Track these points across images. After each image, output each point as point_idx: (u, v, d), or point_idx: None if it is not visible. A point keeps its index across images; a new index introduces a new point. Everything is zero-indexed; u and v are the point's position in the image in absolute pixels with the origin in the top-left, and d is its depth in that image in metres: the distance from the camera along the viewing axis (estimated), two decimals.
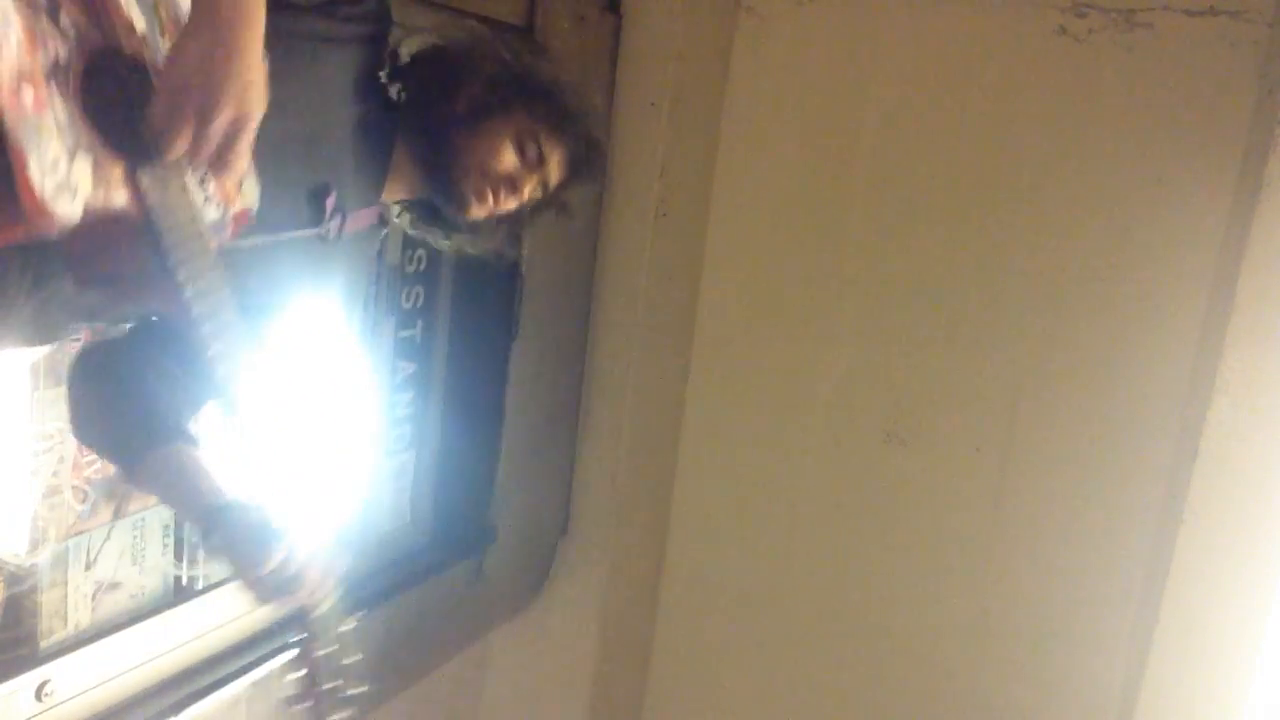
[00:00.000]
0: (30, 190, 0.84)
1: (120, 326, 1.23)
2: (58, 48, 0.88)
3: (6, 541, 1.56)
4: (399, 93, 1.37)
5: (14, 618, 1.58)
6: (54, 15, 0.87)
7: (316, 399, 1.99)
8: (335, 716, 1.19)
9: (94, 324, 1.25)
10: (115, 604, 1.74)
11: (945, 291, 2.46)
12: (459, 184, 1.33)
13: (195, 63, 0.93)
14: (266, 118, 1.05)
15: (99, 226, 0.95)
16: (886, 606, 2.62)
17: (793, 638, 2.72)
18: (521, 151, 1.34)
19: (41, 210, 0.85)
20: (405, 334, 2.18)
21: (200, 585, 1.88)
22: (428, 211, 1.42)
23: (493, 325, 2.31)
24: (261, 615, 1.93)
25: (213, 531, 1.11)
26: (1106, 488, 2.37)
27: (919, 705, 2.62)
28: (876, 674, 2.65)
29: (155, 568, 1.84)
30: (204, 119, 0.94)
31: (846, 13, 2.44)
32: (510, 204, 1.36)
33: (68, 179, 0.87)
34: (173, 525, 1.87)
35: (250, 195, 1.07)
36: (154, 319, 1.21)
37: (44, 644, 1.61)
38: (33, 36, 0.85)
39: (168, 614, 1.74)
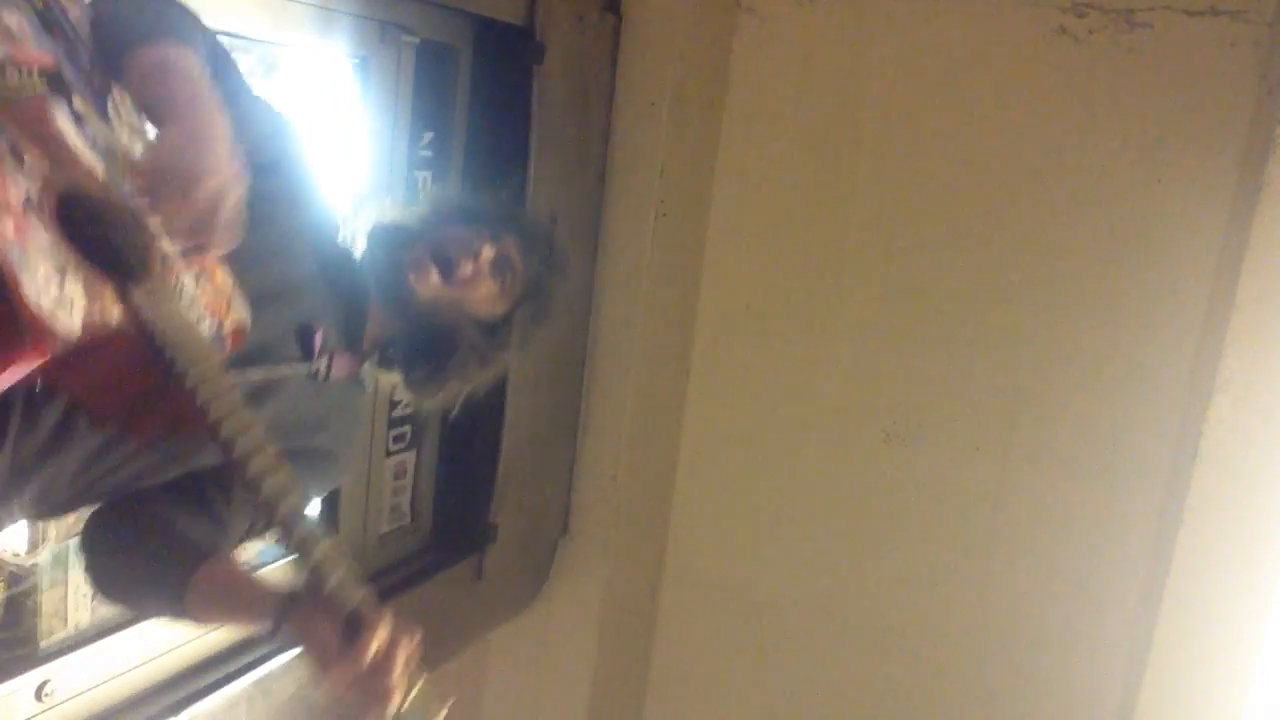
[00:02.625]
0: (28, 307, 0.85)
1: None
2: (27, 187, 0.89)
3: (6, 541, 1.56)
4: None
5: (14, 618, 1.58)
6: (19, 158, 0.89)
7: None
8: None
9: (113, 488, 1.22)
10: None
11: (945, 291, 2.46)
12: (408, 256, 1.35)
13: (170, 150, 0.96)
14: (254, 260, 1.09)
15: (102, 352, 0.95)
16: (886, 606, 2.62)
17: (792, 637, 2.72)
18: (475, 231, 1.38)
19: (43, 326, 0.86)
20: None
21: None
22: (405, 357, 1.43)
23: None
24: None
25: (284, 622, 1.05)
26: (1106, 488, 2.37)
27: (919, 705, 2.62)
28: (876, 674, 2.65)
29: None
30: (186, 195, 0.95)
31: (846, 13, 2.44)
32: (466, 267, 1.35)
33: (62, 295, 0.88)
34: None
35: (241, 312, 1.08)
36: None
37: (44, 644, 1.61)
38: (1, 177, 0.87)
39: None
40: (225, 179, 0.98)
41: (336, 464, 1.39)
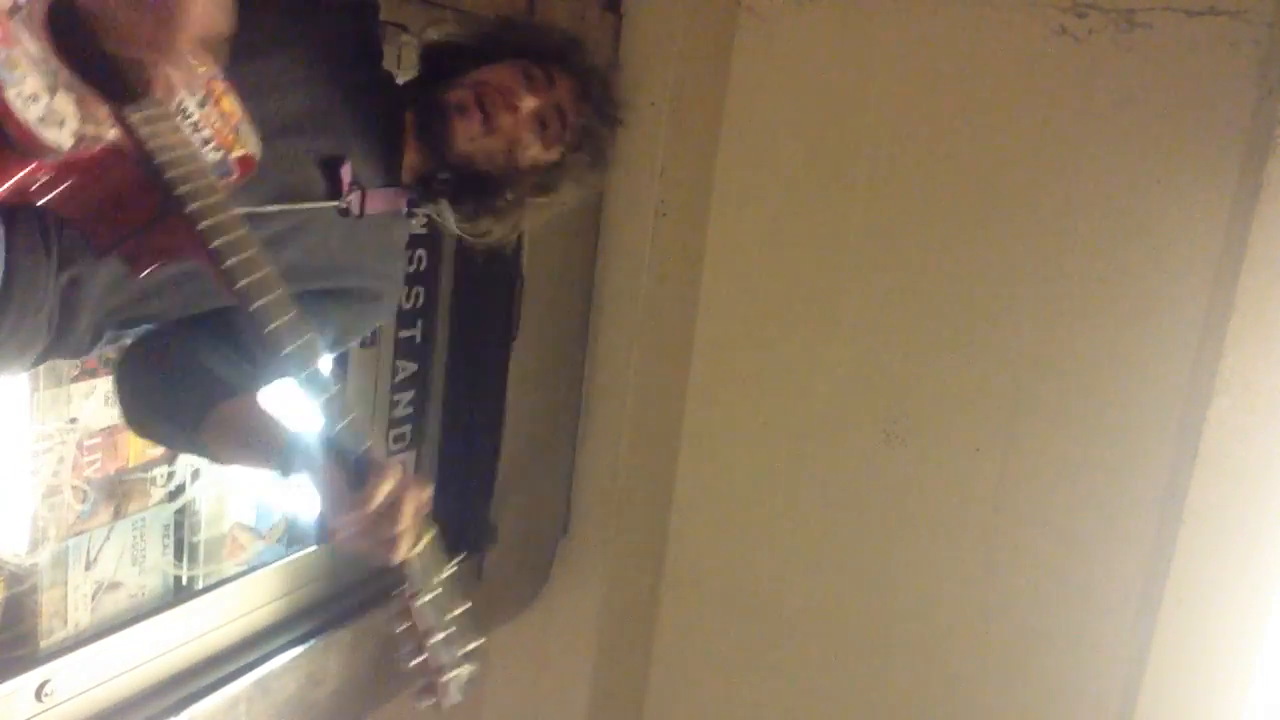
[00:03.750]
0: (12, 116, 0.81)
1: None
2: None
3: (6, 541, 1.56)
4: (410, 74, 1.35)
5: (14, 618, 1.58)
6: None
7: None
8: (450, 673, 1.12)
9: (126, 331, 1.20)
10: (115, 604, 1.74)
11: (945, 291, 2.46)
12: (450, 96, 1.26)
13: None
14: (271, 89, 1.03)
15: (99, 175, 0.91)
16: (886, 606, 2.62)
17: (792, 637, 2.72)
18: (526, 76, 1.28)
19: (29, 136, 0.82)
20: (405, 334, 2.18)
21: (200, 585, 1.88)
22: (452, 190, 1.36)
23: (493, 325, 2.31)
24: (262, 615, 1.93)
25: (294, 463, 1.05)
26: (1106, 488, 2.37)
27: (919, 705, 2.62)
28: (876, 674, 2.65)
29: (155, 568, 1.84)
30: (170, 30, 0.89)
31: (846, 13, 2.44)
32: (505, 119, 1.27)
33: (51, 109, 0.84)
34: (173, 525, 1.87)
35: (249, 141, 1.03)
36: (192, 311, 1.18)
37: (44, 644, 1.61)
38: None
39: (168, 614, 1.74)
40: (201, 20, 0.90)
41: (377, 304, 1.33)
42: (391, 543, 1.02)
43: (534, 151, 1.31)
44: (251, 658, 1.85)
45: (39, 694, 1.51)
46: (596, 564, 2.64)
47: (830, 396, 2.59)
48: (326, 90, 1.21)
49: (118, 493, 1.70)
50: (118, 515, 1.72)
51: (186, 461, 1.83)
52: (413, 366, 2.23)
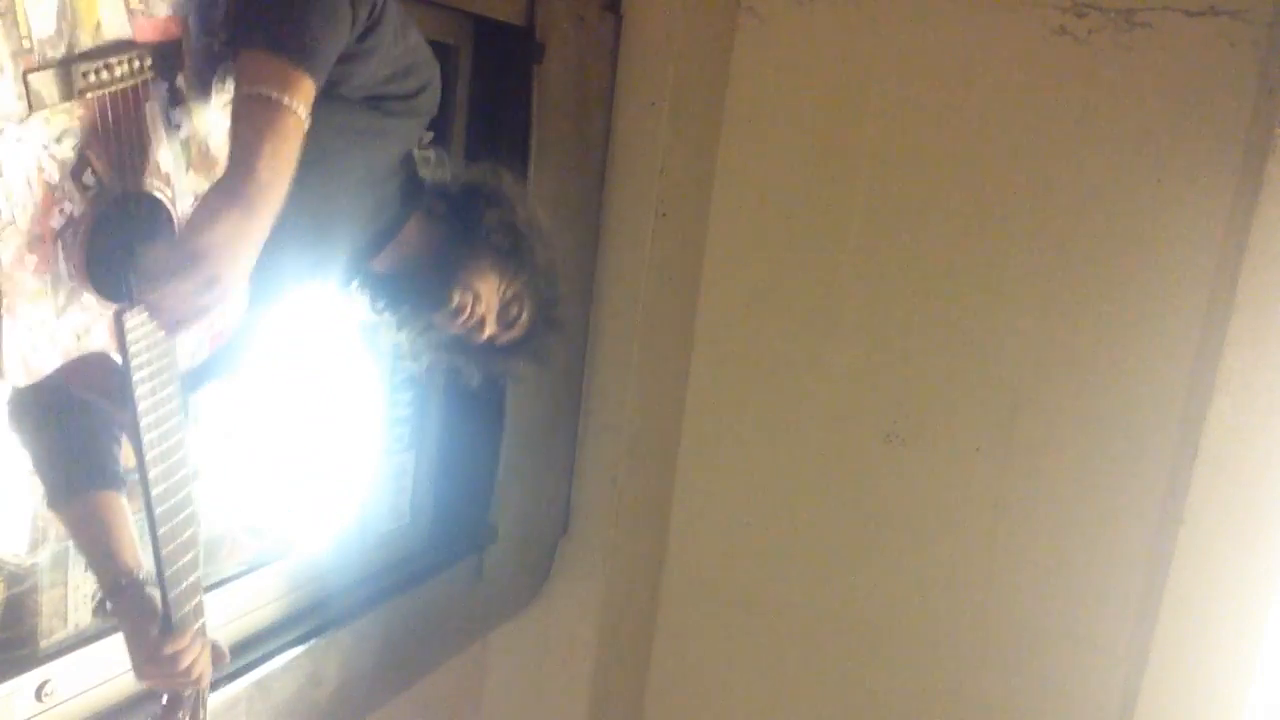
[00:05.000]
0: (6, 355, 0.85)
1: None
2: (73, 207, 0.87)
3: (6, 541, 1.56)
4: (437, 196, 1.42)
5: (14, 618, 1.58)
6: (79, 174, 0.87)
7: (317, 400, 1.99)
8: None
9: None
10: None
11: (945, 291, 2.46)
12: (448, 284, 1.37)
13: (222, 233, 0.93)
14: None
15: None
16: (886, 606, 2.62)
17: (792, 637, 2.72)
18: (504, 303, 1.42)
19: (18, 374, 0.87)
20: None
21: (200, 585, 1.87)
22: (398, 296, 1.45)
23: None
24: (262, 615, 1.94)
25: (113, 603, 1.16)
26: (1106, 488, 2.37)
27: (919, 705, 2.62)
28: (876, 674, 2.65)
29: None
30: (200, 286, 0.94)
31: (846, 13, 2.44)
32: (473, 333, 1.41)
33: (51, 336, 0.88)
34: None
35: (225, 316, 1.07)
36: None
37: (44, 644, 1.61)
38: (50, 200, 0.85)
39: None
40: (235, 285, 0.96)
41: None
42: (175, 697, 1.19)
43: (488, 335, 1.44)
44: (251, 658, 1.85)
45: (39, 694, 1.51)
46: (596, 564, 2.64)
47: (830, 397, 2.60)
48: (353, 195, 1.28)
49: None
50: None
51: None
52: (413, 366, 2.23)
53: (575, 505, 2.65)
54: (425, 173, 1.41)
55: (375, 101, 1.21)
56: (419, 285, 1.39)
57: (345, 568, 2.12)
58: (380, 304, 1.45)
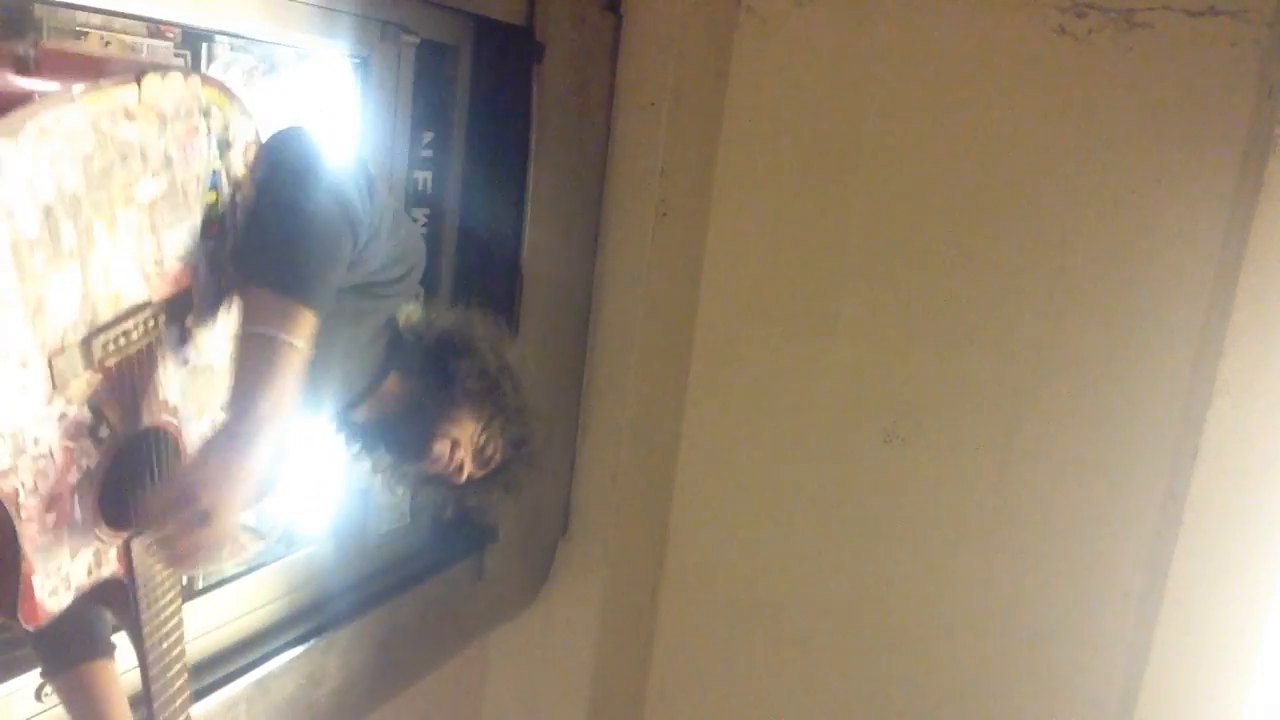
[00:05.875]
0: (31, 600, 0.88)
1: None
2: (89, 461, 0.91)
3: None
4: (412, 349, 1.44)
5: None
6: (95, 430, 0.91)
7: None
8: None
9: None
10: None
11: (945, 291, 2.46)
12: (428, 435, 1.41)
13: (217, 472, 0.96)
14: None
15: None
16: (886, 606, 2.62)
17: (792, 637, 2.72)
18: (479, 446, 1.46)
19: (36, 616, 0.90)
20: None
21: (200, 585, 1.88)
22: (376, 444, 1.48)
23: None
24: (262, 615, 1.93)
25: None
26: (1106, 488, 2.37)
27: (919, 705, 2.62)
28: (876, 674, 2.65)
29: None
30: (197, 519, 0.96)
31: (846, 13, 2.44)
32: (451, 476, 1.45)
33: (66, 579, 0.91)
34: None
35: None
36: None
37: None
38: (69, 460, 0.89)
39: None
40: (233, 525, 0.99)
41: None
42: None
43: (469, 465, 1.48)
44: (251, 658, 1.85)
45: (39, 694, 1.51)
46: (596, 564, 2.64)
47: (830, 397, 2.59)
48: (339, 368, 1.31)
49: None
50: None
51: None
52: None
53: (575, 505, 2.65)
54: (403, 324, 1.44)
55: (365, 287, 1.24)
56: (399, 436, 1.44)
57: (345, 568, 2.12)
58: (356, 449, 1.49)
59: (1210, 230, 2.21)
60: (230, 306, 1.06)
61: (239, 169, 1.03)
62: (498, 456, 1.49)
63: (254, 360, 1.00)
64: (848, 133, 2.48)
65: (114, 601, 1.04)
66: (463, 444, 1.44)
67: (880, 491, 2.58)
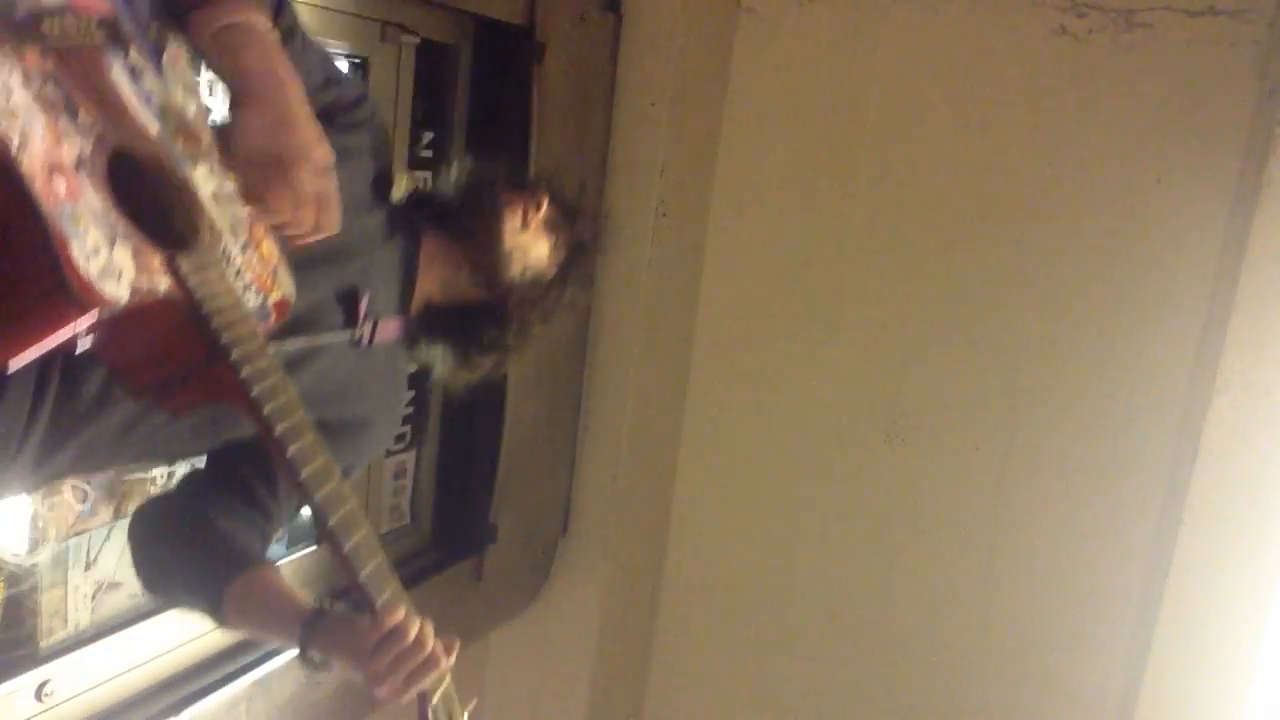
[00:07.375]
0: (77, 272, 0.84)
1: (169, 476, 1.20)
2: (81, 144, 0.88)
3: (6, 541, 1.56)
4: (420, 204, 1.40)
5: (14, 618, 1.58)
6: (73, 113, 0.89)
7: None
8: None
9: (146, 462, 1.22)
10: (115, 604, 1.73)
11: (945, 291, 2.46)
12: (500, 198, 1.36)
13: (262, 135, 0.99)
14: None
15: (145, 324, 0.93)
16: (886, 606, 2.62)
17: (793, 638, 2.72)
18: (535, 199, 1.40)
19: (90, 291, 0.85)
20: None
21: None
22: (446, 321, 1.42)
23: None
24: None
25: (312, 639, 1.08)
26: (1106, 488, 2.37)
27: (919, 705, 2.62)
28: (876, 674, 2.65)
29: None
30: (290, 181, 1.00)
31: (846, 13, 2.44)
32: (533, 216, 1.38)
33: (110, 263, 0.87)
34: None
35: (286, 284, 1.06)
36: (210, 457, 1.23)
37: (44, 644, 1.61)
38: (56, 132, 0.86)
39: (168, 614, 1.74)
40: (321, 157, 1.00)
41: (376, 432, 1.36)
42: (428, 663, 1.07)
43: (544, 259, 1.41)
44: (251, 658, 1.84)
45: (39, 694, 1.51)
46: (596, 564, 2.64)
47: (830, 397, 2.60)
48: (352, 223, 1.23)
49: (118, 492, 1.70)
50: (118, 515, 1.71)
51: (186, 461, 1.83)
52: (412, 367, 2.22)
53: (575, 505, 2.65)
54: (399, 196, 1.39)
55: (325, 120, 1.19)
56: (472, 255, 1.36)
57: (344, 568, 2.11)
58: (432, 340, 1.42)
59: (1210, 230, 2.22)
60: (169, 54, 1.02)
61: None
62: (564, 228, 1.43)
63: (226, 45, 0.99)
64: (848, 132, 2.49)
65: (194, 355, 0.97)
66: (529, 209, 1.38)
67: (880, 491, 2.58)
